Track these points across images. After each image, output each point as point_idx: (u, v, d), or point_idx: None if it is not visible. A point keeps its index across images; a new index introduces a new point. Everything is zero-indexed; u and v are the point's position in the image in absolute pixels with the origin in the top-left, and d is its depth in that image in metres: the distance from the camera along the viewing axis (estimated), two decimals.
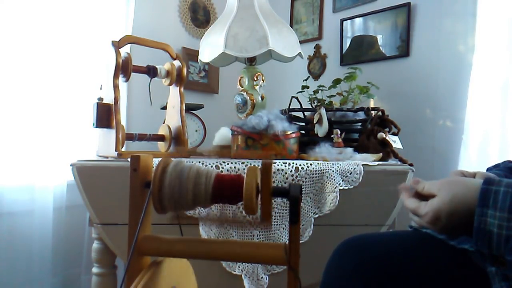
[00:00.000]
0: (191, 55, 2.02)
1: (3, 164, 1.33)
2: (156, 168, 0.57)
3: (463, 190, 0.51)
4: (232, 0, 1.39)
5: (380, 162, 1.06)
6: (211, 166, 0.98)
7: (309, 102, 1.42)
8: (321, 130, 1.19)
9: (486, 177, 0.50)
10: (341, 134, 1.16)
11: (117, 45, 1.06)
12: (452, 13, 1.59)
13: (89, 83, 1.54)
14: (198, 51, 1.44)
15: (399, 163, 1.09)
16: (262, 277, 1.00)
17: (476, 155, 1.42)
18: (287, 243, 0.56)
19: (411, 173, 1.03)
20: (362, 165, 1.01)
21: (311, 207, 1.00)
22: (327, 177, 1.00)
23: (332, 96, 1.42)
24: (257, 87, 1.40)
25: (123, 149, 1.06)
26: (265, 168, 0.53)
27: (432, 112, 1.64)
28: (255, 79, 1.40)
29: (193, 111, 1.41)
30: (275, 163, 0.99)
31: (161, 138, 1.24)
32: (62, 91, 1.46)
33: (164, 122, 1.28)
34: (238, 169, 0.98)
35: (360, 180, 1.00)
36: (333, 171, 1.00)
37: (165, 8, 1.96)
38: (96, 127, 1.10)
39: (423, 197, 0.56)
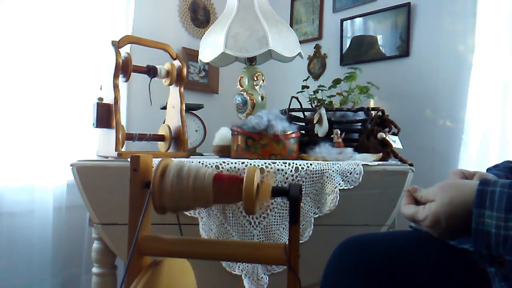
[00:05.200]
0: (191, 55, 2.02)
1: (3, 164, 1.33)
2: (156, 168, 0.57)
3: (460, 192, 0.52)
4: (232, 0, 1.39)
5: (380, 162, 1.06)
6: (211, 166, 0.98)
7: (309, 102, 1.42)
8: (321, 130, 1.19)
9: (482, 178, 0.51)
10: (341, 134, 1.16)
11: (117, 45, 1.06)
12: (452, 13, 1.59)
13: (89, 83, 1.54)
14: (198, 51, 1.44)
15: (399, 163, 1.09)
16: (262, 277, 1.00)
17: (476, 155, 1.42)
18: (287, 243, 0.56)
19: (411, 173, 1.03)
20: (362, 165, 1.01)
21: (311, 207, 1.00)
22: (327, 177, 1.00)
23: (332, 96, 1.42)
24: (257, 87, 1.40)
25: (123, 149, 1.06)
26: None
27: (432, 112, 1.64)
28: (255, 79, 1.40)
29: (193, 111, 1.41)
30: (274, 163, 0.99)
31: (161, 138, 1.24)
32: (62, 91, 1.46)
33: (164, 122, 1.28)
34: (238, 169, 0.98)
35: (360, 180, 1.00)
36: (333, 171, 1.00)
37: (165, 8, 1.96)
38: (96, 127, 1.10)
39: (421, 203, 0.57)
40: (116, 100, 1.06)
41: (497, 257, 0.47)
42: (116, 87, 1.06)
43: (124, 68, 1.08)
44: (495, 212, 0.47)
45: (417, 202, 0.58)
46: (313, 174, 1.00)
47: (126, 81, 1.12)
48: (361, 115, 1.24)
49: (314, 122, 1.22)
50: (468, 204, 0.50)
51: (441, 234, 0.54)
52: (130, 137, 1.15)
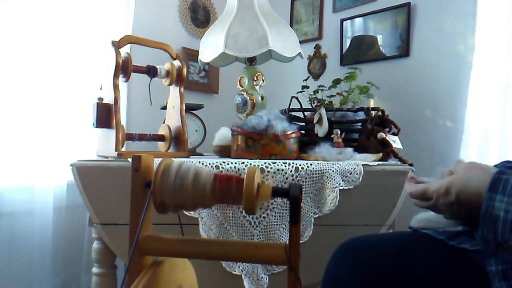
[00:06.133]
0: (191, 55, 2.02)
1: (3, 164, 1.33)
2: (157, 168, 0.57)
3: (479, 172, 0.53)
4: (232, 0, 1.39)
5: (380, 162, 1.06)
6: (211, 166, 0.98)
7: (309, 102, 1.42)
8: (321, 130, 1.19)
9: (500, 168, 0.51)
10: (341, 134, 1.16)
11: (117, 45, 1.06)
12: (452, 13, 1.59)
13: (89, 83, 1.54)
14: (198, 51, 1.44)
15: (399, 163, 1.09)
16: (262, 277, 1.00)
17: (476, 155, 1.42)
18: (287, 243, 0.56)
19: (411, 173, 1.03)
20: (362, 165, 1.02)
21: (311, 207, 1.01)
22: (327, 177, 1.00)
23: (332, 96, 1.42)
24: (257, 87, 1.40)
25: (123, 149, 1.06)
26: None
27: (432, 112, 1.64)
28: (255, 79, 1.40)
29: (193, 111, 1.41)
30: (274, 163, 0.99)
31: (161, 138, 1.24)
32: (62, 91, 1.46)
33: (164, 122, 1.28)
34: (238, 169, 0.98)
35: (360, 180, 1.00)
36: (333, 171, 1.00)
37: (165, 8, 1.96)
38: (96, 127, 1.10)
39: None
40: (116, 100, 1.06)
41: (503, 242, 0.48)
42: (116, 87, 1.06)
43: (124, 68, 1.08)
44: (506, 197, 0.48)
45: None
46: (313, 174, 1.00)
47: (126, 81, 1.12)
48: (361, 115, 1.24)
49: (314, 122, 1.22)
50: (482, 189, 0.51)
51: (448, 207, 0.55)
52: (130, 137, 1.15)
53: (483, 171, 0.53)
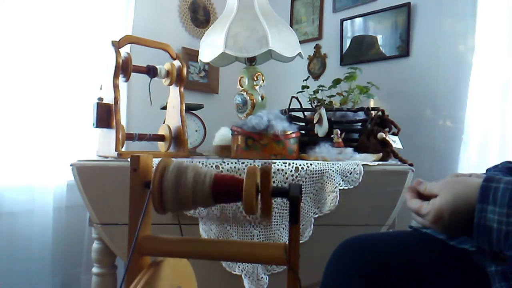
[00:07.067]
0: (191, 55, 2.02)
1: (3, 164, 1.33)
2: (156, 168, 0.57)
3: (465, 188, 0.52)
4: (232, 0, 1.39)
5: (380, 162, 1.06)
6: (211, 166, 0.98)
7: (309, 102, 1.42)
8: (321, 130, 1.19)
9: (487, 175, 0.51)
10: (341, 134, 1.16)
11: (117, 45, 1.06)
12: (452, 13, 1.59)
13: (89, 83, 1.54)
14: (198, 51, 1.44)
15: (399, 163, 1.09)
16: (262, 277, 1.00)
17: (476, 155, 1.42)
18: (287, 243, 0.56)
19: (411, 173, 1.03)
20: (362, 165, 1.01)
21: (311, 207, 1.00)
22: (327, 177, 1.00)
23: (332, 96, 1.42)
24: (257, 87, 1.40)
25: (123, 149, 1.06)
26: (264, 172, 0.53)
27: (432, 112, 1.64)
28: (255, 79, 1.40)
29: (193, 111, 1.42)
30: (274, 163, 0.99)
31: (161, 138, 1.24)
32: (62, 91, 1.46)
33: (164, 122, 1.28)
34: (238, 169, 0.98)
35: (360, 180, 1.00)
36: (333, 171, 1.00)
37: (165, 8, 1.96)
38: (96, 127, 1.10)
39: (425, 197, 0.57)
40: (116, 100, 1.06)
41: (498, 253, 0.47)
42: (116, 87, 1.06)
43: (124, 68, 1.08)
44: (498, 208, 0.47)
45: (420, 195, 0.59)
46: (313, 174, 1.00)
47: (126, 81, 1.12)
48: (361, 115, 1.24)
49: (314, 122, 1.22)
50: (472, 201, 0.50)
51: (444, 229, 0.54)
52: (130, 137, 1.15)
53: (465, 184, 0.53)
